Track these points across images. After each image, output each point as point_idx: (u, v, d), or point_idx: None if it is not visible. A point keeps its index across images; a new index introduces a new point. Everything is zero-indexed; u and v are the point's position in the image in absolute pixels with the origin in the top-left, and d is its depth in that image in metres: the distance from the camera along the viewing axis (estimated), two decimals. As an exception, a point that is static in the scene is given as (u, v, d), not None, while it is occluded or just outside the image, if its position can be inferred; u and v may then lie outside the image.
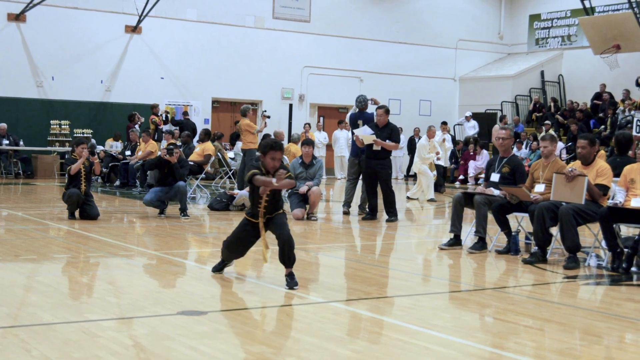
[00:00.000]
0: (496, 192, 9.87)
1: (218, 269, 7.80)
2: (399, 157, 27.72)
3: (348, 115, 14.86)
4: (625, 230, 10.20)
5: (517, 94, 30.25)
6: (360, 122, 13.94)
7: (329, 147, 27.56)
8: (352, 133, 14.26)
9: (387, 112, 13.42)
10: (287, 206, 13.77)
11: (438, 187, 20.38)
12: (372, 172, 13.33)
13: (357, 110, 14.21)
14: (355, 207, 14.42)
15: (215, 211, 14.20)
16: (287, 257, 7.16)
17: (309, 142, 13.88)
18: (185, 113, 25.01)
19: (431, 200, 18.10)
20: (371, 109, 14.38)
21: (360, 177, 14.13)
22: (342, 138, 25.85)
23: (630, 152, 10.68)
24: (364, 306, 6.64)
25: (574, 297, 7.45)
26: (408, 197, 18.75)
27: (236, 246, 7.55)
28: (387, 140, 13.16)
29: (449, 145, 21.93)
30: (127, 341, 5.21)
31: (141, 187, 18.62)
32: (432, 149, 18.73)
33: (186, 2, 26.19)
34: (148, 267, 8.56)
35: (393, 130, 13.35)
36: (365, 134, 13.19)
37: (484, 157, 25.50)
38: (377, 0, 29.72)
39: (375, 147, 13.15)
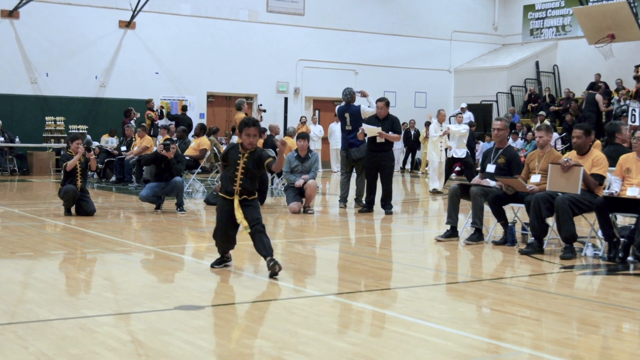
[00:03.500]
0: (492, 183, 9.88)
1: (217, 263, 7.81)
2: (397, 149, 27.71)
3: (336, 108, 14.84)
4: (622, 220, 10.21)
5: (512, 84, 30.26)
6: (347, 114, 13.93)
7: (325, 140, 27.56)
8: (342, 127, 14.22)
9: (388, 104, 13.43)
10: (283, 200, 13.77)
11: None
12: (376, 164, 13.31)
13: (344, 103, 14.19)
14: (352, 201, 14.41)
15: (211, 205, 14.17)
16: (266, 245, 7.30)
17: (304, 136, 13.86)
18: (184, 108, 24.97)
19: (434, 191, 18.00)
20: (359, 101, 14.35)
21: (354, 170, 14.11)
22: (338, 131, 25.82)
23: (625, 143, 10.66)
24: (361, 299, 6.65)
25: (571, 287, 7.46)
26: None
27: (222, 231, 7.54)
28: (390, 132, 13.18)
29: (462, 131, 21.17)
30: (124, 337, 5.21)
31: (137, 182, 18.60)
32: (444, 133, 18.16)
33: (180, -3, 26.17)
34: (145, 262, 8.56)
35: (394, 121, 13.35)
36: (369, 127, 13.20)
37: (480, 148, 25.48)
38: (371, -7, 29.72)
39: (378, 140, 13.16)
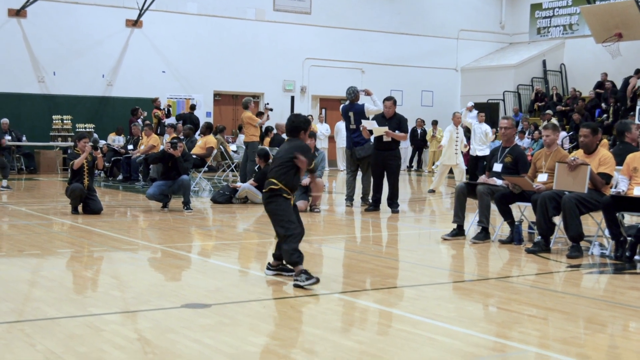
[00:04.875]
0: (499, 182, 9.87)
1: (307, 277, 6.79)
2: (403, 148, 27.66)
3: (340, 107, 14.85)
4: (629, 219, 10.19)
5: (519, 83, 30.20)
6: (351, 113, 13.93)
7: (331, 138, 27.56)
8: (346, 126, 14.23)
9: (395, 103, 13.48)
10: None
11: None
12: (382, 163, 13.32)
13: (349, 101, 14.19)
14: (358, 200, 14.42)
15: (218, 204, 14.21)
16: None
17: (311, 134, 13.80)
18: (193, 107, 24.98)
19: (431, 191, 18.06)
20: (363, 99, 14.35)
21: (360, 168, 14.12)
22: (344, 130, 25.78)
23: (634, 142, 10.64)
24: (367, 297, 6.65)
25: (578, 286, 7.46)
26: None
27: (298, 223, 7.05)
28: (396, 131, 13.19)
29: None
30: (131, 335, 5.23)
31: (144, 181, 18.64)
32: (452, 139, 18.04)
33: (186, -4, 26.20)
34: (152, 260, 8.58)
35: (401, 120, 13.36)
36: (373, 125, 13.21)
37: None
38: (377, -9, 29.70)
39: (385, 138, 13.17)
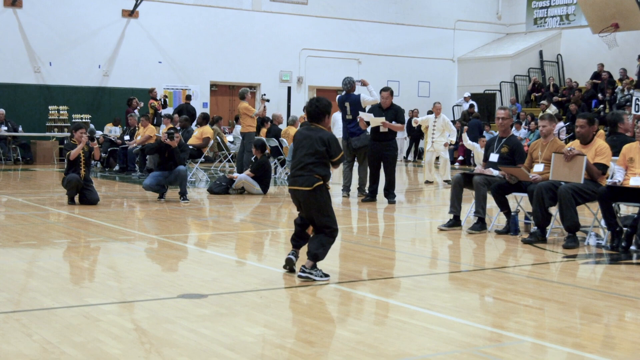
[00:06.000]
0: (495, 172, 9.87)
1: (324, 274, 6.82)
2: (399, 138, 27.62)
3: (337, 98, 14.82)
4: (625, 209, 10.21)
5: (516, 74, 30.19)
6: (347, 104, 13.93)
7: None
8: (343, 117, 14.23)
9: (392, 93, 13.49)
10: (286, 189, 13.77)
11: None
12: (379, 154, 13.32)
13: (345, 92, 14.18)
14: (355, 190, 14.42)
15: (214, 195, 14.20)
16: None
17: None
18: (188, 97, 24.92)
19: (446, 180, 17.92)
20: (359, 90, 14.33)
21: (356, 159, 14.12)
22: (341, 120, 25.73)
23: (628, 133, 10.65)
24: (364, 287, 6.66)
25: (574, 276, 7.47)
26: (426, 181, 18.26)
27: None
28: (393, 122, 13.19)
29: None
30: (127, 325, 5.23)
31: (140, 171, 18.63)
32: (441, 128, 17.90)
33: (183, -14, 26.12)
34: (148, 251, 8.58)
35: (398, 111, 13.37)
36: (370, 117, 13.21)
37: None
38: (374, -18, 29.62)
39: (382, 129, 13.17)
